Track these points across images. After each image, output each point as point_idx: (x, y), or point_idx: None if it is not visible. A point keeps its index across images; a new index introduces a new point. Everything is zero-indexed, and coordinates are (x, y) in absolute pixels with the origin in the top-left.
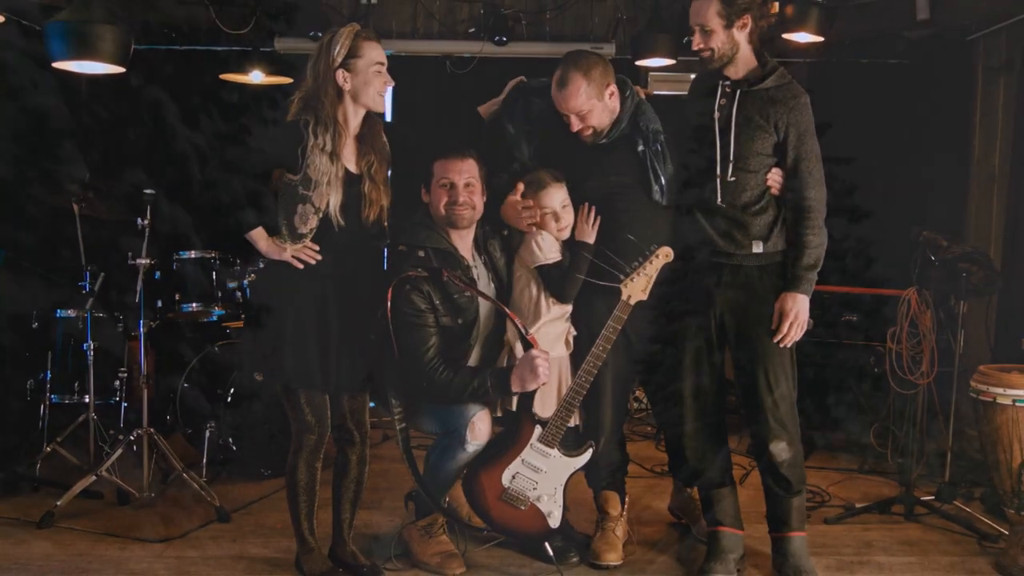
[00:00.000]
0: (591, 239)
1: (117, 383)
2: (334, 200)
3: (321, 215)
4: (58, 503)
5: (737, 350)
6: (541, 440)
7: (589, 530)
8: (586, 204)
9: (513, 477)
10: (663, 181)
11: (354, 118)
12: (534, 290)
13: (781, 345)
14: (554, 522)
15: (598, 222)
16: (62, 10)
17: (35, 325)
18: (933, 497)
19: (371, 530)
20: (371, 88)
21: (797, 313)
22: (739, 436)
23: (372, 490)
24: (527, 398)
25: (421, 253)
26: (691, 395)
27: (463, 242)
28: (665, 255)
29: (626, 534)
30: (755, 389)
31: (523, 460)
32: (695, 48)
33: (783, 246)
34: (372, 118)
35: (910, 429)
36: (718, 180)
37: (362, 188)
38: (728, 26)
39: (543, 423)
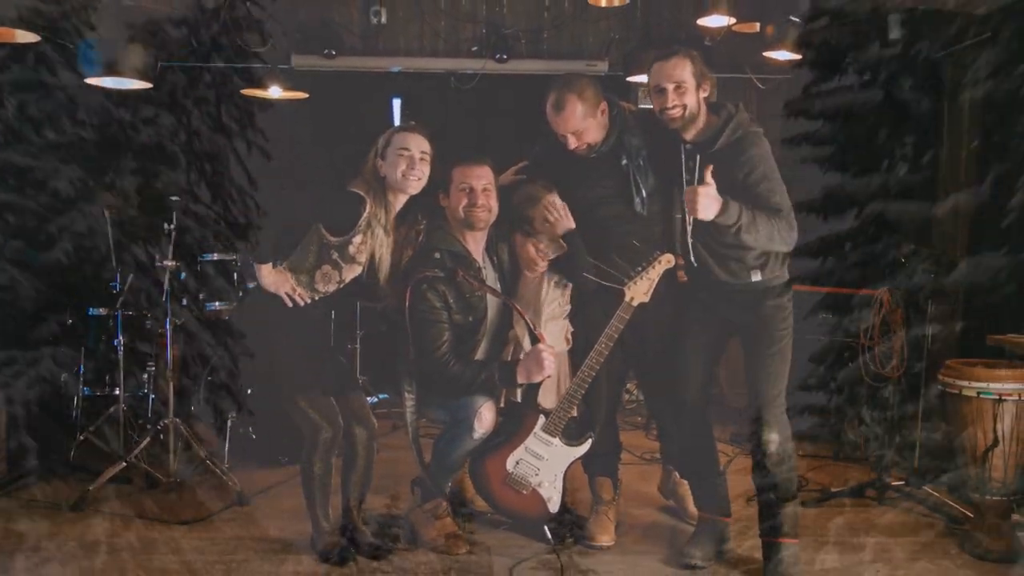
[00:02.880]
0: (572, 224)
1: (145, 376)
2: (383, 264)
3: (342, 286)
4: (90, 488)
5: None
6: (544, 429)
7: (584, 512)
8: (553, 198)
9: (517, 463)
10: (644, 194)
11: (395, 201)
12: (536, 292)
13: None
14: (553, 507)
15: (566, 208)
16: (94, 30)
17: (69, 322)
18: (904, 482)
19: (381, 513)
20: (395, 171)
21: (694, 200)
22: (722, 425)
23: (381, 476)
24: (532, 389)
25: (436, 255)
26: (690, 390)
27: (475, 244)
28: (667, 260)
29: (618, 517)
30: (755, 394)
31: (526, 447)
32: (669, 106)
33: (781, 272)
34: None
35: (882, 419)
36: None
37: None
38: (697, 86)
39: (546, 413)
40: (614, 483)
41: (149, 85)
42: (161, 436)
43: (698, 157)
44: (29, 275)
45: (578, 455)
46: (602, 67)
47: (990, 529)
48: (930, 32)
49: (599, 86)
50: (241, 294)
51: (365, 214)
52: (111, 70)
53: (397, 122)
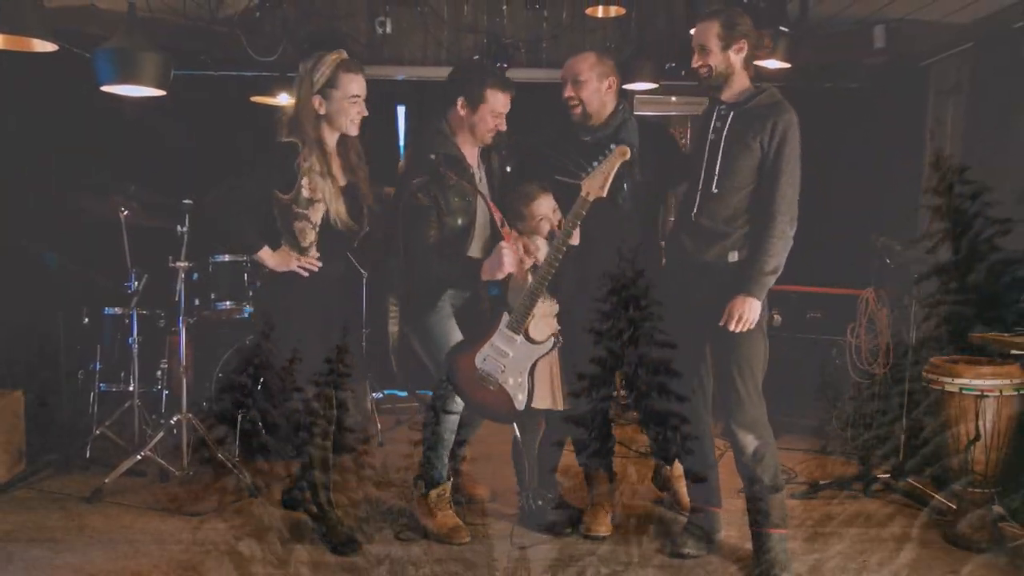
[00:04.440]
0: (575, 241)
1: (159, 373)
2: (336, 209)
3: (318, 228)
4: (106, 480)
5: (714, 346)
6: (508, 327)
7: (580, 504)
8: (548, 199)
9: (484, 359)
10: (626, 189)
11: (331, 138)
12: (522, 288)
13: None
14: (519, 405)
15: (578, 229)
16: (109, 39)
17: (86, 321)
18: (889, 475)
19: (385, 505)
20: (344, 117)
21: (742, 315)
22: (715, 420)
23: (386, 469)
24: (503, 293)
25: (432, 156)
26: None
27: (471, 150)
28: (621, 153)
29: (614, 508)
30: (729, 383)
31: (492, 344)
32: (694, 66)
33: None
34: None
35: (868, 414)
36: (699, 195)
37: (354, 195)
38: (725, 48)
39: (510, 311)
40: (609, 476)
41: (163, 92)
42: (174, 431)
43: (731, 116)
44: (48, 276)
45: (541, 353)
46: None
47: (972, 520)
48: (914, 41)
49: (615, 67)
50: (251, 293)
51: (298, 160)
52: (126, 78)
53: (401, 126)
